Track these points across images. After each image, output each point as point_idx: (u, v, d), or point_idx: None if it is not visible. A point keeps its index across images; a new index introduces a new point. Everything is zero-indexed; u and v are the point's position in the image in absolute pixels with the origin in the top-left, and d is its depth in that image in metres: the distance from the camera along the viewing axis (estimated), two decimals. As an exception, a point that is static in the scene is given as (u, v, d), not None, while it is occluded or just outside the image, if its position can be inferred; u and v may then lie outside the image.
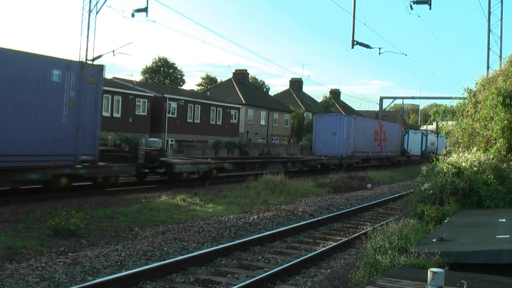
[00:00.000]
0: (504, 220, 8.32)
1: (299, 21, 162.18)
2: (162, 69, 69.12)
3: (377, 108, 59.56)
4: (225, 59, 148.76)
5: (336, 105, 71.30)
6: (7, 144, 13.65)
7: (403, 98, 59.65)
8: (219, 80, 71.81)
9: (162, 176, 20.41)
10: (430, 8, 24.31)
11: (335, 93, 75.96)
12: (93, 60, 29.00)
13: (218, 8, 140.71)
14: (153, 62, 69.42)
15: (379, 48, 27.53)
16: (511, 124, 13.03)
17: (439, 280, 4.53)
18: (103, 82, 16.72)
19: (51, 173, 15.00)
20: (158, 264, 8.59)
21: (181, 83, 71.77)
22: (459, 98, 16.53)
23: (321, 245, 11.22)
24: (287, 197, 18.72)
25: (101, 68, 16.70)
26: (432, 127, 56.08)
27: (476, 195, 10.30)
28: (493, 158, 12.17)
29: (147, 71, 69.62)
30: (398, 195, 20.58)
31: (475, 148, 13.11)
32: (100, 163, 16.82)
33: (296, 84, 73.04)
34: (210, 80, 77.67)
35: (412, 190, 14.23)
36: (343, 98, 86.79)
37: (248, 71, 64.50)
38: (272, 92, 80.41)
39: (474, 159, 11.68)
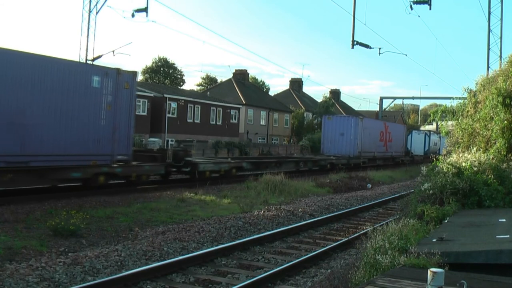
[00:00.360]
0: (504, 220, 8.32)
1: (299, 21, 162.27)
2: (162, 69, 69.13)
3: (377, 108, 59.58)
4: (225, 59, 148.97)
5: (336, 105, 71.30)
6: (53, 145, 14.77)
7: (403, 98, 59.70)
8: (219, 80, 71.91)
9: (186, 174, 21.36)
10: (430, 8, 24.35)
11: (335, 93, 75.97)
12: (93, 60, 29.01)
13: (218, 8, 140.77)
14: (153, 62, 69.45)
15: (379, 48, 27.55)
16: (511, 124, 13.02)
17: (439, 280, 4.53)
18: (136, 87, 18.23)
19: (91, 171, 16.12)
20: (158, 264, 8.59)
21: (181, 83, 71.82)
22: (459, 98, 16.53)
23: (321, 245, 11.22)
24: (287, 197, 18.71)
25: (134, 74, 18.09)
26: (432, 127, 56.17)
27: (476, 195, 10.29)
28: (493, 158, 12.17)
29: (147, 71, 69.62)
30: (398, 195, 20.59)
31: (475, 148, 13.11)
32: (133, 163, 17.95)
33: (296, 84, 73.03)
34: (210, 80, 77.70)
35: (412, 190, 14.24)
36: (343, 98, 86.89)
37: (248, 71, 64.55)
38: (272, 92, 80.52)
39: (474, 159, 11.67)
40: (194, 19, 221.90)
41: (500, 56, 24.77)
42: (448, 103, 18.27)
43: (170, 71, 69.87)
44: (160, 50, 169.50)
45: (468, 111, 14.83)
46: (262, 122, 57.48)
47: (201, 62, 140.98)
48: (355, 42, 23.58)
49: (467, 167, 11.20)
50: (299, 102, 67.20)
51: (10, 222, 11.23)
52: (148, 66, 69.13)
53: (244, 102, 53.55)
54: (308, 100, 72.02)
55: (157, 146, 25.88)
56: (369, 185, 25.56)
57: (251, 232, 12.12)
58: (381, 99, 56.10)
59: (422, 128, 66.19)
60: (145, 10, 27.77)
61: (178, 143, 39.98)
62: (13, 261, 8.31)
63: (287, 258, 10.03)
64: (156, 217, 13.14)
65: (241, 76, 60.73)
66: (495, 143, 13.25)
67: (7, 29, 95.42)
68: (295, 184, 21.22)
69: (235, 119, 50.79)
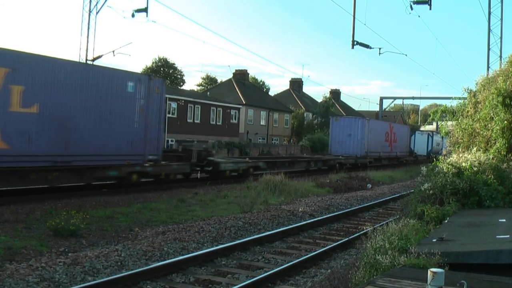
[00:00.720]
0: (504, 220, 8.32)
1: (299, 21, 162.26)
2: (162, 69, 69.05)
3: (377, 108, 59.58)
4: (226, 59, 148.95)
5: (336, 105, 71.35)
6: (93, 145, 16.01)
7: (403, 98, 59.71)
8: (219, 80, 71.87)
9: (208, 173, 22.41)
10: (430, 8, 24.37)
11: (335, 93, 76.02)
12: (93, 60, 29.03)
13: (218, 8, 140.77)
14: (153, 62, 69.38)
15: (379, 48, 27.61)
16: (511, 124, 13.01)
17: (439, 280, 4.52)
18: (165, 91, 19.61)
19: (126, 170, 17.34)
20: (158, 264, 8.59)
21: (181, 83, 71.73)
22: (459, 98, 16.53)
23: (321, 245, 11.22)
24: (287, 197, 18.71)
25: (163, 79, 20.03)
26: (432, 127, 56.22)
27: (476, 195, 10.29)
28: (493, 158, 12.17)
29: (147, 71, 69.58)
30: (398, 195, 20.58)
31: (475, 148, 13.11)
32: (162, 162, 19.10)
33: (296, 84, 73.04)
34: (210, 80, 77.68)
35: (412, 190, 14.23)
36: (343, 98, 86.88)
37: (248, 71, 64.56)
38: (272, 92, 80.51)
39: (474, 159, 11.67)
40: (194, 19, 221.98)
41: (500, 56, 24.79)
42: (448, 103, 18.31)
43: (170, 71, 69.81)
44: (160, 50, 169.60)
45: (468, 111, 14.82)
46: (262, 122, 57.48)
47: (201, 62, 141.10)
48: (355, 42, 23.59)
49: (467, 167, 11.20)
50: (299, 102, 67.20)
51: (10, 222, 11.23)
52: (148, 66, 69.03)
53: (244, 102, 53.55)
54: (308, 100, 72.02)
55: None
56: (369, 185, 25.55)
57: (251, 232, 12.12)
58: (381, 99, 56.11)
59: (422, 128, 66.24)
60: (145, 10, 27.82)
61: (178, 143, 40.02)
62: (13, 261, 8.30)
63: (287, 258, 10.02)
64: (156, 217, 13.14)
65: (241, 76, 60.72)
66: (495, 143, 13.24)
67: (7, 29, 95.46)
68: (295, 184, 21.21)
69: (235, 119, 50.79)
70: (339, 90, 79.13)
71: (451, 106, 16.22)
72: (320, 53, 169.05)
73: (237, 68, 67.19)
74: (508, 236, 6.79)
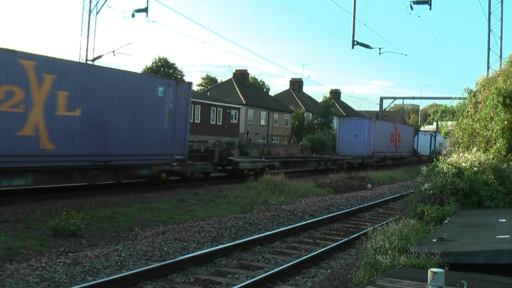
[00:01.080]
0: (504, 220, 8.31)
1: (299, 21, 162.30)
2: (162, 69, 69.04)
3: (377, 108, 59.61)
4: (226, 59, 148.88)
5: (336, 105, 71.33)
6: (127, 146, 17.27)
7: (403, 98, 59.75)
8: (219, 80, 71.87)
9: (228, 172, 23.36)
10: (430, 8, 24.40)
11: (335, 93, 76.01)
12: (93, 60, 29.04)
13: (218, 8, 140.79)
14: (153, 62, 69.36)
15: (379, 48, 27.67)
16: (511, 125, 13.00)
17: (439, 280, 4.52)
18: (191, 95, 21.07)
19: (156, 169, 18.53)
20: (158, 264, 8.59)
21: (181, 83, 71.58)
22: (459, 98, 16.51)
23: (321, 245, 11.22)
24: (287, 197, 18.70)
25: (190, 84, 21.21)
26: (432, 127, 56.33)
27: (476, 195, 10.28)
28: (493, 158, 12.15)
29: (147, 71, 69.59)
30: (398, 195, 20.58)
31: (475, 148, 13.09)
32: (188, 162, 20.33)
33: (296, 84, 73.02)
34: (210, 80, 77.69)
35: (412, 190, 14.23)
36: (343, 98, 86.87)
37: (248, 71, 64.55)
38: (272, 92, 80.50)
39: (474, 159, 11.66)
40: (194, 19, 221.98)
41: (500, 56, 24.78)
42: (448, 103, 18.26)
43: (170, 71, 69.76)
44: (160, 50, 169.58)
45: (468, 111, 14.81)
46: (262, 122, 57.48)
47: (201, 62, 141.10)
48: (355, 42, 23.61)
49: (467, 167, 11.19)
50: (299, 102, 67.19)
51: (10, 222, 11.23)
52: (148, 66, 69.03)
53: (244, 102, 53.55)
54: (308, 100, 72.02)
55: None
56: (369, 185, 25.55)
57: (251, 232, 12.12)
58: (381, 99, 56.14)
59: (422, 128, 66.34)
60: (145, 10, 27.83)
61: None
62: (13, 261, 8.31)
63: (287, 258, 10.02)
64: (156, 217, 13.14)
65: (241, 76, 60.71)
66: (495, 143, 13.23)
67: (7, 29, 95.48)
68: (295, 184, 21.21)
69: (235, 119, 50.79)
70: (339, 90, 79.16)
71: (451, 106, 16.20)
72: (320, 53, 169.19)
73: (237, 68, 67.27)
74: (508, 236, 6.79)
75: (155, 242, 10.16)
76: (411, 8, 24.21)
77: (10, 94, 13.71)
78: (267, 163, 26.11)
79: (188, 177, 20.22)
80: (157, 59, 69.73)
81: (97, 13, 29.67)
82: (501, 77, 14.00)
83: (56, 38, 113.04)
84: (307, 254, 10.14)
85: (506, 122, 12.92)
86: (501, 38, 25.78)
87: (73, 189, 16.59)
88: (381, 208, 18.08)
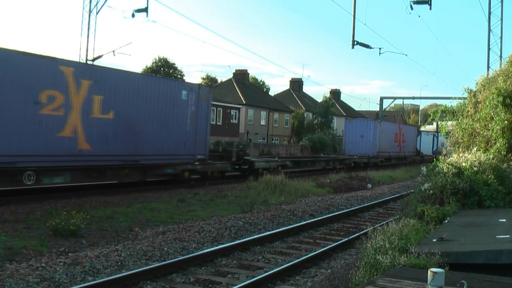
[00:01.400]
0: (504, 220, 8.31)
1: (299, 22, 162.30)
2: (162, 69, 68.99)
3: (377, 108, 59.51)
4: (226, 59, 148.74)
5: (336, 105, 71.28)
6: (155, 146, 18.39)
7: (403, 98, 59.63)
8: (219, 80, 71.80)
9: (243, 172, 24.02)
10: (430, 8, 24.39)
11: (335, 93, 75.94)
12: (93, 60, 29.02)
13: (218, 8, 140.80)
14: (153, 62, 69.27)
15: (379, 48, 27.66)
16: (511, 125, 13.00)
17: (439, 280, 4.52)
18: (211, 98, 22.27)
19: (180, 168, 19.61)
20: (158, 264, 8.59)
21: (181, 83, 71.51)
22: (459, 98, 16.50)
23: (321, 245, 11.22)
24: (287, 197, 18.71)
25: (210, 88, 22.81)
26: (432, 127, 56.41)
27: (476, 195, 10.28)
28: (493, 158, 12.15)
29: (147, 71, 69.56)
30: (398, 195, 20.58)
31: (475, 148, 13.09)
32: (209, 161, 21.40)
33: (296, 84, 73.00)
34: (210, 80, 77.60)
35: (412, 190, 14.23)
36: (343, 98, 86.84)
37: (248, 71, 64.53)
38: (272, 92, 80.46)
39: (474, 159, 11.66)
40: (194, 19, 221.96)
41: (500, 56, 24.77)
42: (448, 103, 18.27)
43: (170, 71, 69.70)
44: (160, 50, 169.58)
45: (468, 111, 14.81)
46: (262, 122, 57.47)
47: (201, 62, 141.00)
48: (355, 42, 23.60)
49: (467, 167, 11.19)
50: (299, 102, 67.18)
51: (10, 222, 11.23)
52: (148, 66, 68.95)
53: (244, 102, 53.53)
54: (308, 100, 72.00)
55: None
56: (369, 185, 25.55)
57: (251, 232, 12.12)
58: (381, 99, 56.05)
59: (422, 128, 66.44)
60: (145, 10, 27.80)
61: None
62: (13, 261, 8.31)
63: (287, 258, 10.02)
64: (156, 217, 13.14)
65: (241, 76, 60.69)
66: (495, 143, 13.22)
67: (7, 29, 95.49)
68: (295, 184, 21.21)
69: (235, 119, 50.77)
70: (339, 90, 79.05)
71: (451, 106, 16.19)
72: (320, 53, 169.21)
73: (237, 68, 67.17)
74: (508, 236, 6.79)
75: (155, 242, 10.16)
76: (411, 8, 24.21)
77: (52, 99, 14.70)
78: (280, 162, 27.32)
79: (208, 176, 21.17)
80: (157, 59, 69.67)
81: (97, 13, 29.67)
82: (501, 77, 13.99)
83: (56, 38, 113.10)
84: (307, 254, 10.13)
85: (506, 122, 12.92)
86: (501, 38, 25.78)
87: (73, 189, 16.59)
88: (381, 208, 18.08)
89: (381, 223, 12.11)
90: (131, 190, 17.33)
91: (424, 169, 12.25)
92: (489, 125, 13.49)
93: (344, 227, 13.84)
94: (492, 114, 13.42)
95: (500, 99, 13.10)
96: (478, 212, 9.74)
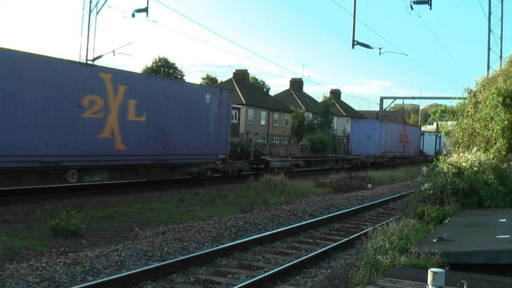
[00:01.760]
0: (504, 220, 8.31)
1: (299, 22, 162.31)
2: (162, 69, 68.97)
3: (377, 108, 59.51)
4: (226, 59, 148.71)
5: (337, 105, 71.27)
6: (182, 147, 19.66)
7: (403, 98, 59.62)
8: (219, 80, 71.73)
9: (260, 170, 24.59)
10: (430, 8, 24.37)
11: (336, 93, 75.91)
12: (93, 60, 29.02)
13: (218, 8, 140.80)
14: (153, 62, 69.26)
15: (380, 48, 27.64)
16: (511, 124, 13.00)
17: (439, 280, 4.52)
18: (231, 101, 23.66)
19: (204, 167, 20.95)
20: (158, 264, 8.60)
21: (181, 83, 71.43)
22: (459, 98, 16.50)
23: (321, 245, 11.22)
24: (287, 197, 18.71)
25: (230, 92, 23.65)
26: (433, 127, 56.56)
27: (476, 195, 10.27)
28: (493, 158, 12.14)
29: (147, 71, 69.52)
30: (398, 195, 20.58)
31: (475, 148, 13.08)
32: (229, 160, 22.50)
33: (297, 84, 72.97)
34: (210, 80, 77.58)
35: (413, 190, 14.23)
36: (343, 98, 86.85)
37: (248, 71, 64.48)
38: (272, 92, 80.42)
39: (474, 159, 11.65)
40: (194, 19, 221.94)
41: (501, 56, 24.77)
42: (448, 103, 18.27)
43: (171, 71, 69.69)
44: (160, 50, 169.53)
45: (468, 111, 14.80)
46: (262, 122, 57.45)
47: (201, 62, 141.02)
48: (355, 42, 23.60)
49: (467, 167, 11.18)
50: (299, 102, 67.16)
51: (10, 222, 11.24)
52: (148, 66, 68.92)
53: (244, 102, 53.50)
54: (308, 100, 71.98)
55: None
56: (369, 185, 25.54)
57: (251, 232, 12.12)
58: (382, 99, 56.06)
59: (422, 128, 66.61)
60: (145, 10, 27.81)
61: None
62: (13, 261, 8.31)
63: (287, 258, 10.02)
64: (156, 217, 13.14)
65: (241, 76, 60.66)
66: (495, 143, 13.22)
67: (7, 29, 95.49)
68: (295, 184, 21.21)
69: (235, 119, 50.69)
70: (339, 90, 79.02)
71: (451, 106, 16.19)
72: (320, 53, 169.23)
73: (237, 68, 67.14)
74: (508, 236, 6.79)
75: (155, 242, 10.16)
76: (411, 8, 24.20)
77: (93, 103, 15.93)
78: (293, 162, 28.65)
79: (228, 174, 22.32)
80: (157, 59, 69.66)
81: (97, 13, 29.67)
82: (501, 77, 13.99)
83: (56, 38, 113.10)
84: (307, 254, 10.14)
85: (506, 122, 12.92)
86: (501, 38, 25.78)
87: (73, 189, 16.60)
88: (381, 208, 18.08)
89: (381, 223, 12.11)
90: (131, 190, 17.33)
91: (424, 169, 12.24)
92: (489, 125, 13.49)
93: (344, 227, 13.83)
94: (492, 114, 13.41)
95: (500, 99, 13.09)
96: (478, 212, 9.74)
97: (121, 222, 12.26)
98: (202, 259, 9.33)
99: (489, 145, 13.57)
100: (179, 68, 72.34)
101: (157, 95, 18.57)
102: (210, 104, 21.19)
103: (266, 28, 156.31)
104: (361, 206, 17.68)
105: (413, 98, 60.92)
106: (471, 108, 14.73)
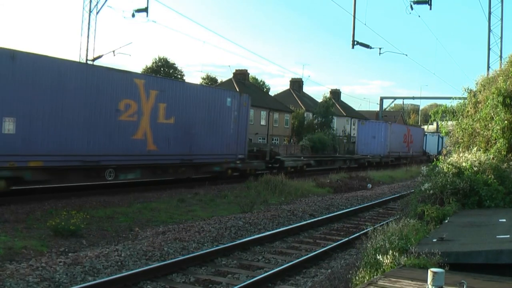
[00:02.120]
0: (504, 220, 8.31)
1: (299, 22, 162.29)
2: (162, 69, 68.95)
3: (377, 108, 59.62)
4: (226, 59, 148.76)
5: (337, 105, 71.27)
6: (205, 147, 20.84)
7: (403, 98, 59.81)
8: (219, 80, 71.71)
9: (274, 169, 25.49)
10: (430, 8, 24.36)
11: (336, 93, 75.92)
12: (93, 60, 29.02)
13: (218, 8, 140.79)
14: (153, 62, 69.23)
15: (380, 48, 27.63)
16: (511, 124, 12.99)
17: (439, 280, 4.52)
18: (250, 104, 24.54)
19: (224, 166, 22.18)
20: (158, 264, 8.60)
21: (181, 83, 71.38)
22: (459, 98, 16.49)
23: (321, 245, 11.21)
24: (287, 197, 18.71)
25: (248, 95, 24.73)
26: (433, 127, 56.64)
27: (476, 195, 10.27)
28: (493, 158, 12.14)
29: (147, 71, 69.50)
30: (398, 195, 20.58)
31: (475, 148, 13.08)
32: (247, 160, 23.73)
33: (297, 84, 72.95)
34: (210, 80, 77.57)
35: (413, 190, 14.22)
36: (343, 98, 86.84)
37: (248, 71, 64.48)
38: (272, 92, 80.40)
39: (474, 159, 11.65)
40: (194, 19, 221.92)
41: (500, 56, 24.78)
42: (448, 103, 18.26)
43: (171, 71, 69.66)
44: (160, 50, 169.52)
45: (468, 111, 14.79)
46: (263, 122, 57.44)
47: (201, 62, 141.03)
48: (355, 42, 23.59)
49: (467, 167, 11.18)
50: (299, 102, 67.15)
51: (11, 222, 11.24)
52: (148, 66, 68.88)
53: (244, 102, 53.43)
54: (308, 100, 71.97)
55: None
56: (369, 185, 25.54)
57: (251, 232, 12.12)
58: (382, 99, 56.18)
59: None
60: (145, 10, 27.82)
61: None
62: (13, 261, 8.31)
63: (287, 258, 10.02)
64: (156, 217, 13.14)
65: (241, 76, 60.66)
66: (495, 143, 13.21)
67: (7, 29, 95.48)
68: (295, 184, 21.21)
69: (235, 119, 50.69)
70: (339, 90, 79.02)
71: (451, 106, 16.18)
72: (320, 53, 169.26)
73: (237, 68, 67.15)
74: (508, 236, 6.79)
75: (155, 242, 10.16)
76: (411, 8, 24.20)
77: (128, 106, 17.21)
78: (305, 161, 30.12)
79: (247, 173, 23.31)
80: (157, 59, 69.63)
81: (97, 13, 29.67)
82: (501, 77, 13.98)
83: (56, 38, 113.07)
84: (307, 254, 10.13)
85: (506, 122, 12.91)
86: (501, 38, 25.79)
87: (73, 189, 16.60)
88: (381, 208, 18.07)
89: (381, 223, 12.11)
90: (131, 190, 17.33)
91: (424, 169, 12.24)
92: (489, 125, 13.48)
93: (344, 227, 13.83)
94: (492, 114, 13.41)
95: (500, 99, 13.09)
96: (478, 212, 9.74)
97: (121, 222, 12.26)
98: (202, 259, 9.33)
99: (489, 145, 13.57)
100: (179, 68, 72.34)
101: (184, 99, 19.77)
102: (230, 107, 22.41)
103: (266, 28, 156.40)
104: (361, 206, 17.68)
105: (413, 98, 61.06)
106: (471, 108, 14.72)
